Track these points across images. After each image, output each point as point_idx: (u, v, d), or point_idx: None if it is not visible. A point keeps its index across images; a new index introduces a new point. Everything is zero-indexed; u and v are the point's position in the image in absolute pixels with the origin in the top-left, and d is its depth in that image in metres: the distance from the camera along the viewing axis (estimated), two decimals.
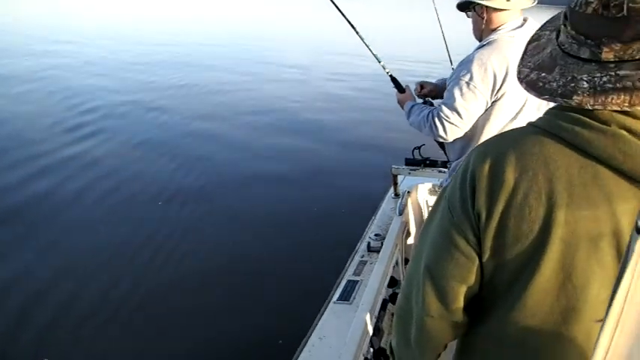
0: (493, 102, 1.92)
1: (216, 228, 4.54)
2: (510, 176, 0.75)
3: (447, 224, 0.83)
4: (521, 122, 1.89)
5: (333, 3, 2.47)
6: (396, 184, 3.06)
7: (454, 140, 2.05)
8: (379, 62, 2.44)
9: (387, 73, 2.43)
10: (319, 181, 5.85)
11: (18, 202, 4.73)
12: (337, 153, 6.95)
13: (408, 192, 2.96)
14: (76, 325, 3.13)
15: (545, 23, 0.89)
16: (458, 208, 0.81)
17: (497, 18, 1.92)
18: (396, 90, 2.35)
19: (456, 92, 1.92)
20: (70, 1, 32.46)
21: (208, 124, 7.98)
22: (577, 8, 0.72)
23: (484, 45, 1.92)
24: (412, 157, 2.83)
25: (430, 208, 1.93)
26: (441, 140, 2.10)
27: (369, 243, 2.43)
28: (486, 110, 1.94)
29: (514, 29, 1.90)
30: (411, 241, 2.80)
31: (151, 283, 3.62)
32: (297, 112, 9.17)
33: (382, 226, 2.71)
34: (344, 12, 2.47)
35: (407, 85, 2.34)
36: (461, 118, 1.94)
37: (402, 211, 2.77)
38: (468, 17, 2.03)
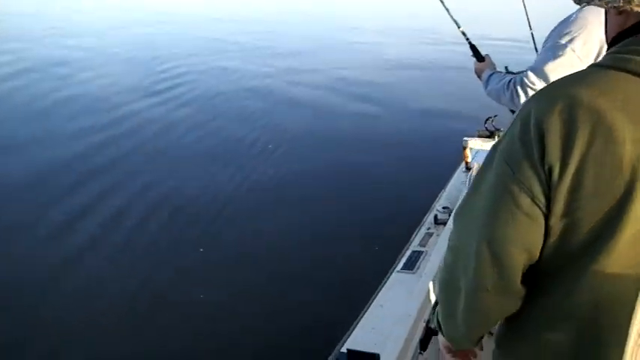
0: None
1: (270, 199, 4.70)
2: (586, 119, 0.65)
3: (506, 182, 0.72)
4: None
5: None
6: (467, 156, 3.00)
7: None
8: (459, 27, 2.28)
9: (467, 40, 2.24)
10: (390, 151, 5.81)
11: None
12: (410, 122, 6.87)
13: (479, 165, 2.89)
14: None
15: None
16: (521, 162, 0.70)
17: None
18: (474, 59, 2.14)
19: (549, 55, 1.61)
20: None
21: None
22: None
23: (589, 5, 1.72)
24: (485, 129, 2.76)
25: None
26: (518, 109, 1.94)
27: (436, 215, 2.42)
28: None
29: None
30: None
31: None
32: (371, 78, 9.15)
33: (451, 199, 2.68)
34: None
35: (487, 55, 2.12)
36: (547, 83, 1.71)
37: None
38: None
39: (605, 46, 1.42)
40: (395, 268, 1.96)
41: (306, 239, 3.92)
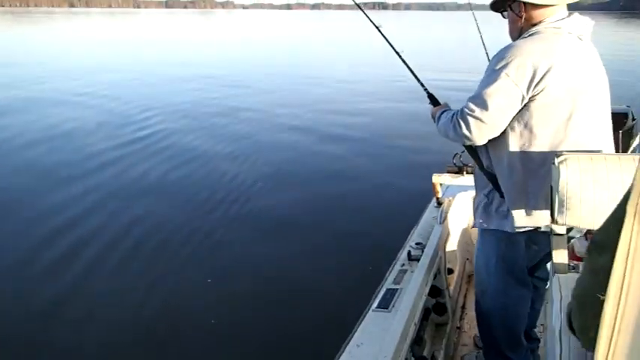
0: (531, 97, 1.60)
1: (247, 233, 4.66)
2: None
3: None
4: (571, 133, 1.62)
5: (376, 27, 2.38)
6: (437, 192, 3.03)
7: (487, 146, 1.77)
8: (418, 81, 2.25)
9: (425, 89, 2.23)
10: (360, 189, 5.86)
11: None
12: (379, 161, 6.97)
13: (450, 200, 2.92)
14: None
15: None
16: None
17: (539, 14, 1.68)
18: (431, 106, 2.13)
19: (485, 82, 1.65)
20: None
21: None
22: None
23: (524, 37, 1.69)
24: (453, 164, 2.80)
25: (476, 218, 1.89)
26: (468, 142, 1.82)
27: (409, 251, 2.41)
28: (523, 108, 1.62)
29: (560, 20, 1.65)
30: (451, 250, 2.75)
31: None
32: (338, 121, 9.30)
33: (424, 235, 2.68)
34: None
35: (445, 102, 2.09)
36: (487, 110, 1.62)
37: (443, 220, 2.73)
38: (504, 17, 1.80)
39: (540, 70, 1.54)
40: (370, 306, 1.93)
41: (274, 276, 3.89)
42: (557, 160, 1.43)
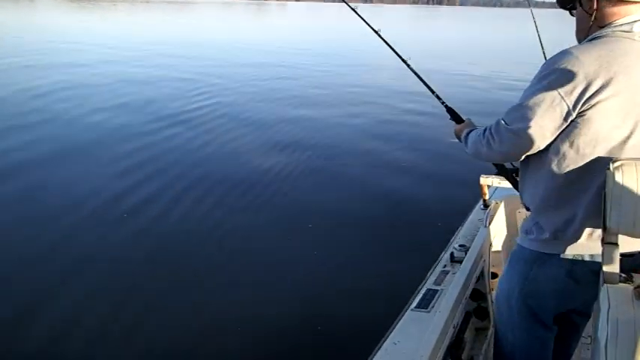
0: (581, 113, 1.38)
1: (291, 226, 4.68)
2: None
3: None
4: (629, 153, 1.41)
5: (384, 40, 2.34)
6: (484, 194, 2.96)
7: (524, 170, 1.59)
8: (432, 92, 2.16)
9: (443, 103, 2.10)
10: (406, 186, 5.80)
11: None
12: (427, 161, 6.86)
13: (497, 203, 2.86)
14: None
15: None
16: None
17: (613, 12, 1.42)
18: (453, 122, 1.99)
19: (528, 91, 1.45)
20: None
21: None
22: None
23: (585, 42, 1.46)
24: (503, 166, 2.72)
25: (520, 219, 1.84)
26: (502, 160, 1.72)
27: (452, 253, 2.38)
28: (570, 125, 1.41)
29: (633, 22, 1.40)
30: (495, 254, 2.69)
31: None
32: (384, 119, 9.22)
33: (468, 237, 2.64)
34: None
35: (468, 118, 1.96)
36: (526, 123, 1.41)
37: (489, 223, 2.68)
38: (572, 15, 1.57)
39: (595, 82, 1.33)
40: (409, 306, 1.92)
41: (320, 270, 3.91)
42: (612, 166, 1.36)
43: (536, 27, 3.06)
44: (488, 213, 2.76)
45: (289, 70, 15.53)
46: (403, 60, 2.27)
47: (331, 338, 3.17)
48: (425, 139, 7.91)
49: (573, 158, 1.44)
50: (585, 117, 1.39)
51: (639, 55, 1.38)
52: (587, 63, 1.36)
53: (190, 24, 40.02)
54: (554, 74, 1.39)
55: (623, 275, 1.36)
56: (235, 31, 33.97)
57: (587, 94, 1.36)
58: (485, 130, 1.58)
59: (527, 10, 3.46)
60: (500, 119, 1.51)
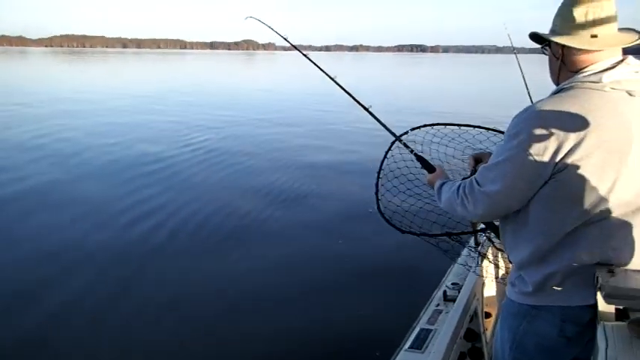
0: (555, 173, 1.34)
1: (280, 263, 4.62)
2: None
3: None
4: (615, 209, 1.35)
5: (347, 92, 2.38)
6: (475, 232, 2.95)
7: (504, 228, 1.55)
8: (399, 141, 2.13)
9: (411, 151, 2.05)
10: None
11: None
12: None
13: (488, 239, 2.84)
14: None
15: None
16: None
17: (580, 60, 1.42)
18: (425, 170, 1.94)
19: (498, 153, 1.42)
20: None
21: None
22: None
23: (556, 93, 1.43)
24: None
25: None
26: (476, 220, 1.68)
27: (445, 292, 2.35)
28: (544, 186, 1.37)
29: (602, 71, 1.37)
30: (489, 292, 2.66)
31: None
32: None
33: (460, 275, 2.61)
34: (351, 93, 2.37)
35: (439, 165, 1.94)
36: (498, 186, 1.39)
37: (481, 261, 2.65)
38: (545, 54, 1.55)
39: (566, 144, 1.28)
40: (403, 345, 1.87)
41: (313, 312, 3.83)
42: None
43: (520, 69, 3.16)
44: (479, 250, 2.74)
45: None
46: (364, 107, 2.28)
47: None
48: None
49: (549, 219, 1.39)
50: (558, 179, 1.35)
51: (610, 109, 1.34)
52: (558, 123, 1.32)
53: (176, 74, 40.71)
54: (524, 133, 1.35)
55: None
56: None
57: (559, 156, 1.32)
58: (459, 187, 1.54)
59: (508, 56, 3.55)
60: (474, 179, 1.48)
